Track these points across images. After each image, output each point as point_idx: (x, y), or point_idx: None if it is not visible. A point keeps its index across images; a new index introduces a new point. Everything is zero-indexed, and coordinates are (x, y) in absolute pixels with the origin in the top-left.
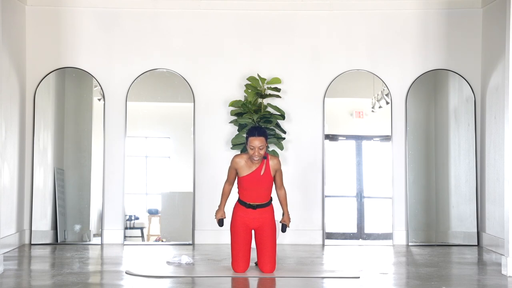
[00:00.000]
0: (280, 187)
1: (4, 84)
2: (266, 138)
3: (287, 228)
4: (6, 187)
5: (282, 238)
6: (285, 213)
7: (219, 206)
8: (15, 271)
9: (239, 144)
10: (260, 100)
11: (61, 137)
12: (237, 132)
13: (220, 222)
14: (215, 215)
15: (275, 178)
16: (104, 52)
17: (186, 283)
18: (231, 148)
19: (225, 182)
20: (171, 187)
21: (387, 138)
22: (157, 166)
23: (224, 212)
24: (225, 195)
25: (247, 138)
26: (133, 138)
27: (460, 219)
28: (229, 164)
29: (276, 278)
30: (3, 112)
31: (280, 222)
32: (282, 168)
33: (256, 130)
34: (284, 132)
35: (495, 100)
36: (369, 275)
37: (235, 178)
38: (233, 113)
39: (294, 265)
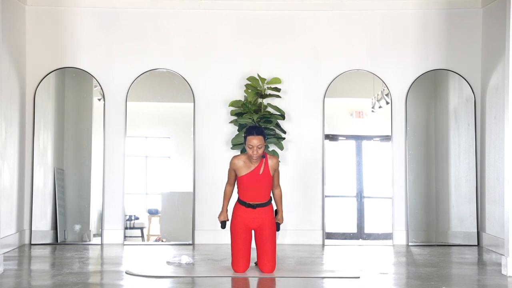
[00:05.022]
0: (277, 186)
1: (4, 84)
2: (265, 137)
3: (280, 226)
4: (6, 187)
5: (282, 238)
6: (279, 212)
7: (222, 209)
8: (15, 271)
9: (239, 144)
10: (260, 100)
11: (61, 137)
12: (237, 132)
13: (223, 224)
14: (218, 217)
15: (273, 177)
16: (104, 52)
17: (186, 283)
18: (231, 148)
19: (226, 184)
20: (171, 187)
21: (387, 138)
22: (157, 166)
23: (227, 215)
24: (226, 197)
25: (245, 137)
26: (133, 138)
27: (460, 219)
28: (229, 165)
29: (276, 278)
30: (3, 112)
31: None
32: (282, 168)
33: (254, 129)
34: (284, 132)
35: (495, 100)
36: (369, 275)
37: (235, 179)
38: (233, 113)
39: (294, 265)
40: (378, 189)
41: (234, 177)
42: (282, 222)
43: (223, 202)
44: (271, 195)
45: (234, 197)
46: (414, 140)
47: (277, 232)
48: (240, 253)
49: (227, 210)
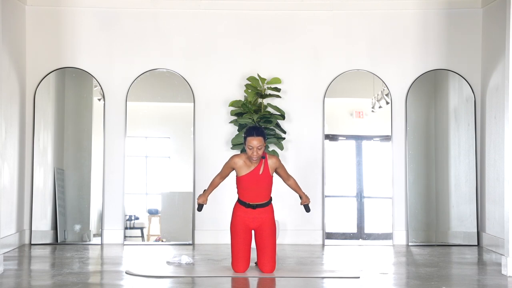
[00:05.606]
0: (288, 178)
1: (4, 84)
2: (265, 138)
3: (309, 206)
4: (6, 187)
5: (282, 238)
6: (302, 195)
7: (204, 192)
8: (15, 271)
9: (239, 144)
10: (260, 100)
11: (61, 137)
12: (237, 132)
13: (199, 207)
14: (198, 199)
15: (279, 173)
16: (104, 52)
17: (186, 283)
18: (231, 148)
19: (217, 175)
20: (171, 187)
21: (387, 138)
22: (157, 166)
23: (207, 199)
24: (212, 185)
25: (245, 138)
26: (133, 138)
27: (460, 219)
28: (227, 161)
29: (276, 278)
30: (3, 112)
31: (301, 204)
32: None
33: (254, 130)
34: (284, 132)
35: (495, 100)
36: (369, 275)
37: (228, 175)
38: (233, 113)
39: (294, 265)
40: (378, 189)
41: (228, 173)
42: (309, 202)
43: (208, 188)
44: (289, 187)
45: (234, 196)
46: (414, 140)
47: (278, 228)
48: (240, 253)
49: (208, 195)
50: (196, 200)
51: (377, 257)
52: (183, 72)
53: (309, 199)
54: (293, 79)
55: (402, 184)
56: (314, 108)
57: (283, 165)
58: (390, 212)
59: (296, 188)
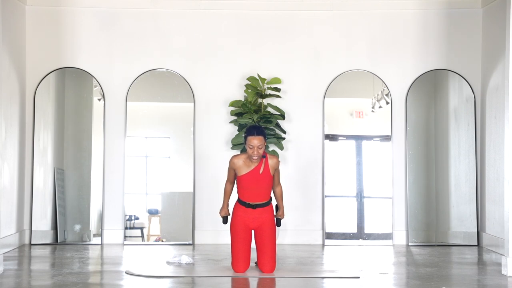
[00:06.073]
0: (277, 184)
1: (4, 84)
2: (265, 137)
3: (281, 221)
4: (6, 187)
5: (282, 238)
6: (281, 208)
7: (222, 205)
8: (15, 271)
9: (239, 144)
10: (260, 100)
11: (61, 137)
12: (237, 132)
13: (224, 220)
14: (219, 213)
15: (273, 176)
16: (104, 52)
17: (186, 283)
18: (231, 148)
19: (226, 182)
20: (171, 187)
21: (387, 138)
22: (157, 166)
23: (228, 210)
24: (227, 194)
25: (245, 137)
26: (133, 138)
27: (460, 219)
28: (228, 164)
29: (276, 278)
30: (3, 112)
31: (275, 216)
32: (282, 168)
33: (254, 129)
34: (284, 132)
35: (495, 100)
36: (369, 275)
37: (235, 178)
38: (233, 113)
39: (294, 265)
40: (378, 189)
41: (233, 175)
42: (283, 218)
43: (224, 199)
44: (272, 193)
45: (234, 196)
46: (414, 140)
47: (278, 228)
48: (240, 253)
49: (228, 206)
50: (195, 203)
51: (377, 257)
52: (183, 72)
53: (284, 215)
54: (293, 79)
55: (402, 184)
56: (314, 108)
57: (279, 170)
58: (390, 212)
59: (280, 197)
